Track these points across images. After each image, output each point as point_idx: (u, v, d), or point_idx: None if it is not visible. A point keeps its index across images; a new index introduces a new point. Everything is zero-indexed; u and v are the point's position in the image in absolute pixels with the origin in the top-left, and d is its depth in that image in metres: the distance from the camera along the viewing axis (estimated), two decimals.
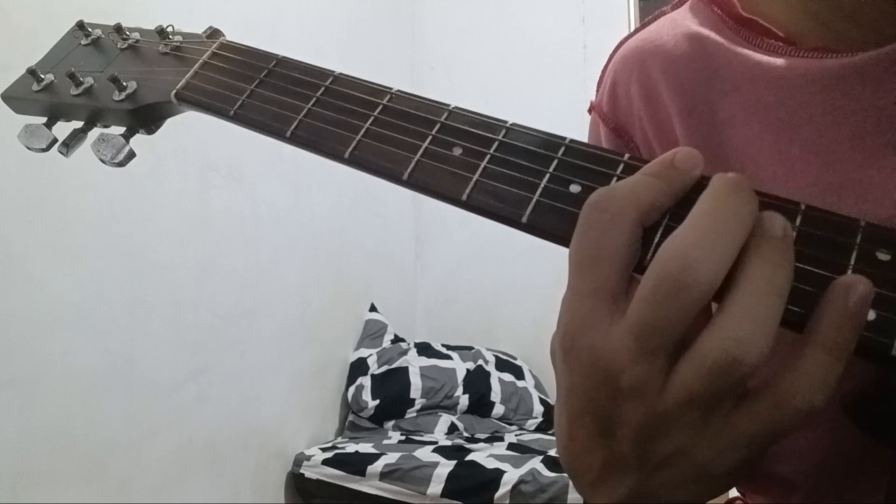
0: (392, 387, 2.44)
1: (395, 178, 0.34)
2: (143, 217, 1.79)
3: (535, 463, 2.07)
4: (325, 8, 2.55)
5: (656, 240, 0.28)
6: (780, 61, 0.41)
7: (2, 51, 1.42)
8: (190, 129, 1.75)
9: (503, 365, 2.67)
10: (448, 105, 0.35)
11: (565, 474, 1.97)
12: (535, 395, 2.61)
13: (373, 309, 2.73)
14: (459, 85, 3.00)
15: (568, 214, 0.30)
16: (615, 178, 0.30)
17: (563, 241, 0.30)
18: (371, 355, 2.55)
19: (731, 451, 0.27)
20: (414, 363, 2.52)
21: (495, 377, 2.59)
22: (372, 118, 0.36)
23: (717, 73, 0.44)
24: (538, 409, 2.56)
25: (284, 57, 0.39)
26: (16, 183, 1.48)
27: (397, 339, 2.70)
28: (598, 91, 0.52)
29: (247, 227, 2.15)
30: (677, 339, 0.26)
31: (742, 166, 0.42)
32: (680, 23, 0.48)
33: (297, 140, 0.37)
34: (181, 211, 1.91)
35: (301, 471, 2.21)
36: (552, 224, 0.30)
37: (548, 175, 0.31)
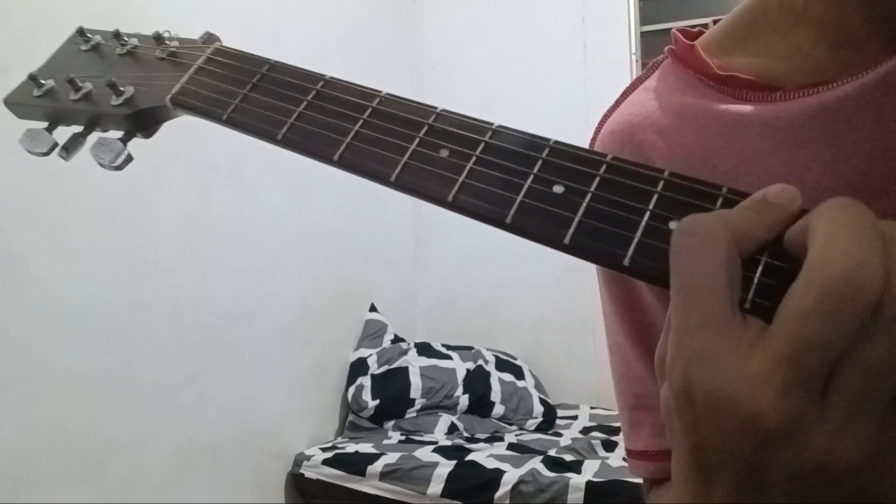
0: (392, 387, 2.44)
1: (383, 179, 0.35)
2: (144, 218, 1.80)
3: (535, 463, 2.07)
4: (325, 9, 2.55)
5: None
6: (770, 107, 0.41)
7: (2, 53, 1.42)
8: (191, 130, 1.75)
9: (503, 365, 2.67)
10: (436, 108, 0.36)
11: (566, 474, 1.98)
12: (535, 395, 2.61)
13: (373, 309, 2.74)
14: (460, 85, 3.01)
15: (551, 215, 0.30)
16: (598, 178, 0.31)
17: (547, 241, 0.30)
18: (371, 355, 2.55)
19: None
20: (414, 363, 2.52)
21: (495, 377, 2.59)
22: (361, 121, 0.36)
23: (707, 130, 0.43)
24: (538, 409, 2.56)
25: (277, 62, 0.40)
26: (17, 184, 1.48)
27: (397, 340, 2.71)
28: None
29: (247, 228, 2.15)
30: (839, 357, 0.23)
31: None
32: (661, 91, 0.47)
33: (288, 143, 0.37)
34: (182, 212, 1.91)
35: (301, 471, 2.22)
36: (536, 224, 0.30)
37: (532, 176, 0.32)
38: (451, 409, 2.50)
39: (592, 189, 0.30)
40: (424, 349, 2.65)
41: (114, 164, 0.42)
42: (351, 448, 2.24)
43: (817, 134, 0.39)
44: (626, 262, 0.28)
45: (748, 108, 0.42)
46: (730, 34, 0.47)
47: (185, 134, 1.81)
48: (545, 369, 2.80)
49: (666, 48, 0.49)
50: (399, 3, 3.06)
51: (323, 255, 2.49)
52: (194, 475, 1.93)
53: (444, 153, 0.34)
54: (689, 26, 0.52)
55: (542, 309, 2.85)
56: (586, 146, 0.51)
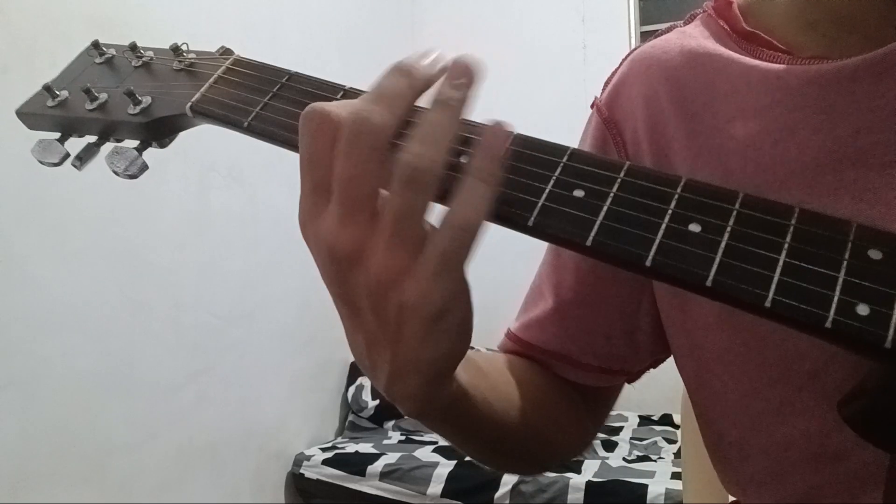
0: None
1: None
2: (144, 218, 1.80)
3: None
4: (325, 9, 2.55)
5: None
6: (777, 67, 0.43)
7: (2, 53, 1.42)
8: (190, 131, 1.76)
9: None
10: None
11: (566, 474, 1.98)
12: None
13: None
14: None
15: (573, 218, 0.31)
16: (618, 182, 0.31)
17: (570, 243, 0.31)
18: None
19: (432, 282, 0.29)
20: None
21: None
22: None
23: (716, 78, 0.46)
24: None
25: (296, 72, 0.41)
26: (17, 184, 1.48)
27: None
28: (604, 89, 0.55)
29: (247, 228, 2.15)
30: (373, 190, 0.30)
31: (742, 167, 0.43)
32: (689, 34, 0.50)
33: None
34: (181, 212, 1.91)
35: (301, 471, 2.22)
36: (558, 227, 0.31)
37: (553, 180, 0.32)
38: None
39: (613, 192, 0.31)
40: None
41: (128, 173, 0.43)
42: (351, 448, 2.24)
43: (810, 99, 0.41)
44: (647, 262, 0.29)
45: (757, 63, 0.44)
46: None
47: (185, 134, 1.81)
48: None
49: (705, 2, 0.52)
50: (399, 3, 3.06)
51: None
52: (194, 475, 1.93)
53: (463, 160, 0.34)
54: None
55: None
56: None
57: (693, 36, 0.49)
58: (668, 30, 0.53)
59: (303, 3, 2.43)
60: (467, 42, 3.06)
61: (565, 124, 2.47)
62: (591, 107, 0.55)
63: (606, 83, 0.55)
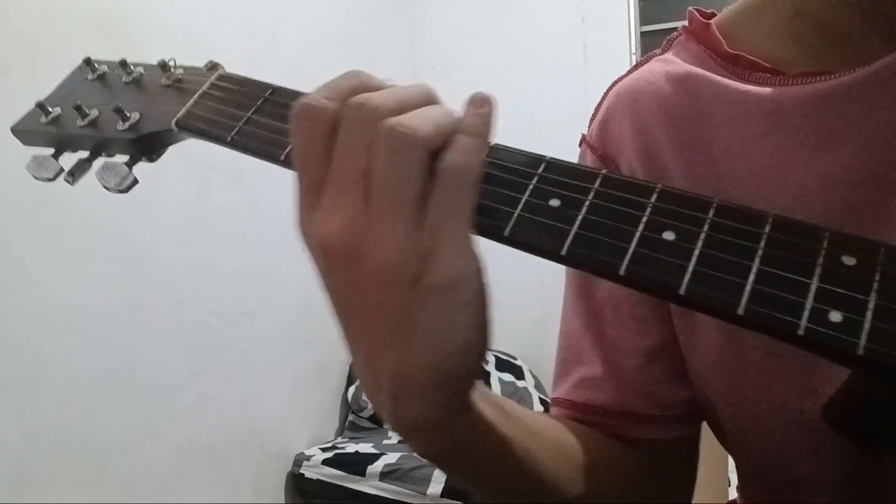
0: None
1: None
2: (144, 218, 1.80)
3: None
4: (325, 9, 2.55)
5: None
6: (769, 90, 0.42)
7: (2, 53, 1.42)
8: None
9: (503, 365, 2.67)
10: None
11: None
12: (535, 395, 2.61)
13: None
14: (460, 85, 2.99)
15: (548, 227, 0.31)
16: (592, 192, 0.31)
17: (545, 253, 0.31)
18: None
19: (439, 243, 0.28)
20: None
21: (495, 377, 2.59)
22: None
23: (708, 107, 0.45)
24: (538, 409, 2.56)
25: (279, 86, 0.41)
26: (16, 184, 1.48)
27: None
28: (590, 124, 0.54)
29: (248, 227, 2.15)
30: (366, 166, 0.29)
31: (745, 195, 0.42)
32: (671, 62, 0.49)
33: (290, 163, 0.38)
34: (182, 211, 1.91)
35: (301, 471, 2.22)
36: (534, 237, 0.31)
37: (529, 189, 0.32)
38: None
39: (588, 201, 0.31)
40: None
41: (119, 188, 0.43)
42: (351, 448, 2.24)
43: (808, 120, 0.40)
44: (621, 271, 0.29)
45: (749, 88, 0.43)
46: (741, 15, 0.48)
47: None
48: (545, 369, 2.80)
49: (680, 26, 0.51)
50: (399, 3, 3.06)
51: None
52: (194, 475, 1.93)
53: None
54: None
55: (542, 309, 2.85)
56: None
57: (676, 64, 0.48)
58: (646, 60, 0.52)
59: (303, 2, 2.43)
60: (467, 42, 3.06)
61: (565, 124, 2.47)
62: (580, 144, 0.54)
63: (592, 118, 0.54)
